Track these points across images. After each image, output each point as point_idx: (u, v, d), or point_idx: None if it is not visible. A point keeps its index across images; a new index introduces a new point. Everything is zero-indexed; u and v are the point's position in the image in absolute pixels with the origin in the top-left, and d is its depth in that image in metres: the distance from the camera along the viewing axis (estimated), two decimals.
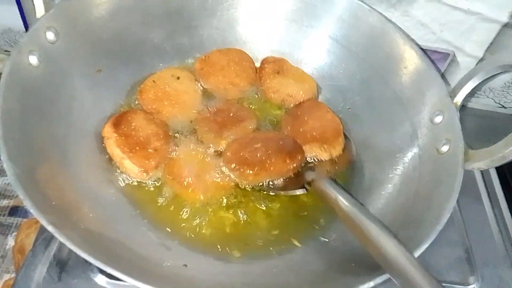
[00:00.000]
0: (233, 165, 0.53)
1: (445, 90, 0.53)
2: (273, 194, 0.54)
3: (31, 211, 0.35)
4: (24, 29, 0.79)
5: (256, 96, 0.64)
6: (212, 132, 0.57)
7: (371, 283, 0.38)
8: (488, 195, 0.66)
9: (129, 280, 0.34)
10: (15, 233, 0.73)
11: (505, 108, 0.80)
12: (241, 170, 0.53)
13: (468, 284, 0.55)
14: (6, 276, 0.69)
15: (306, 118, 0.60)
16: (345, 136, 0.60)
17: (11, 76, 0.44)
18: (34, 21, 0.48)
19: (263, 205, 0.54)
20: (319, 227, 0.53)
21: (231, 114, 0.60)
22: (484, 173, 0.68)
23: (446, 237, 0.57)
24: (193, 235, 0.49)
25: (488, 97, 0.78)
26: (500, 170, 0.69)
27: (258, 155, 0.54)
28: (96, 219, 0.44)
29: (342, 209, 0.44)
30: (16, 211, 0.76)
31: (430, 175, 0.50)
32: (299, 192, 0.53)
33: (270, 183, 0.55)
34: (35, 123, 0.46)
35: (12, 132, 0.41)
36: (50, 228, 0.35)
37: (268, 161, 0.53)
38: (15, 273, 0.69)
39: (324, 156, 0.57)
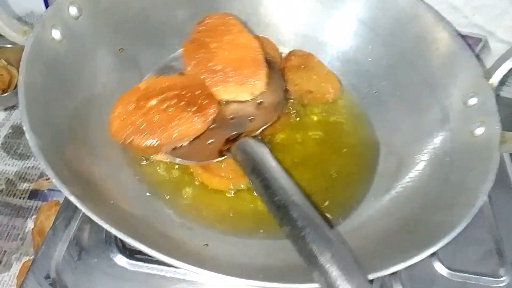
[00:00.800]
0: (119, 138, 0.43)
1: (480, 71, 0.51)
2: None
3: (53, 180, 0.35)
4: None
5: None
6: None
7: None
8: None
9: (155, 254, 0.33)
10: (34, 216, 0.73)
11: None
12: (134, 143, 0.43)
13: (499, 277, 0.53)
14: (26, 259, 0.70)
15: (214, 47, 0.49)
16: (269, 64, 0.52)
17: (34, 50, 0.43)
18: None
19: None
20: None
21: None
22: None
23: (475, 229, 0.55)
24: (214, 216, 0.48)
25: None
26: None
27: (155, 118, 0.43)
28: (119, 195, 0.43)
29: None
30: (36, 194, 0.76)
31: (462, 160, 0.47)
32: (215, 160, 0.47)
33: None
34: (58, 98, 0.45)
35: (35, 105, 0.41)
36: (72, 198, 0.34)
37: (170, 124, 0.43)
38: (35, 255, 0.69)
39: (243, 96, 0.50)
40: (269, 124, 0.48)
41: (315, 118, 0.60)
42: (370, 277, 0.34)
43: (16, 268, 0.69)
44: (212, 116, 0.45)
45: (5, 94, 0.81)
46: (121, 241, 0.50)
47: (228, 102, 0.50)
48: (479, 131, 0.48)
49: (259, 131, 0.48)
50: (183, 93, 0.44)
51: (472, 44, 0.68)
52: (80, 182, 0.39)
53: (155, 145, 0.42)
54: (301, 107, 0.61)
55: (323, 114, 0.61)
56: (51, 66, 0.45)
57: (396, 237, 0.43)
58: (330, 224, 0.47)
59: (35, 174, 0.79)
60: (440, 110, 0.54)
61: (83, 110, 0.48)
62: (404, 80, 0.60)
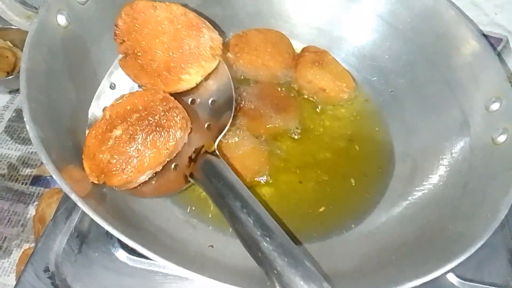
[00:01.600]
0: (94, 177, 0.40)
1: (504, 74, 0.48)
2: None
3: (54, 176, 0.33)
4: None
5: (289, 80, 0.61)
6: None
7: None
8: None
9: (153, 257, 0.32)
10: (36, 203, 0.72)
11: None
12: (108, 181, 0.41)
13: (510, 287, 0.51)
14: (26, 245, 0.69)
15: (148, 48, 0.45)
16: None
17: (37, 35, 0.41)
18: None
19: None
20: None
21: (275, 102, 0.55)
22: None
23: (489, 238, 0.54)
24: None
25: None
26: None
27: (123, 149, 0.41)
28: (121, 190, 0.41)
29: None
30: (38, 180, 0.75)
31: (483, 167, 0.45)
32: (184, 188, 0.45)
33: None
34: (61, 86, 0.44)
35: (37, 93, 0.39)
36: (72, 196, 0.32)
37: (139, 152, 0.41)
38: (35, 242, 0.68)
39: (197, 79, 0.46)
40: (226, 129, 0.46)
41: (328, 116, 0.58)
42: None
43: (16, 254, 0.68)
44: (181, 132, 0.43)
45: (9, 77, 0.79)
46: None
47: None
48: (502, 138, 0.45)
49: (217, 141, 0.45)
50: (145, 114, 0.42)
51: (493, 44, 0.65)
52: (81, 176, 0.37)
53: (129, 179, 0.40)
54: (313, 104, 0.59)
55: (337, 112, 0.59)
56: (55, 53, 0.43)
57: (411, 247, 0.41)
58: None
59: (38, 160, 0.77)
60: (460, 112, 0.52)
61: (87, 99, 0.47)
62: (422, 78, 0.57)
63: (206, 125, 0.46)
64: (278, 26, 0.63)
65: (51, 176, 0.73)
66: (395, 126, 0.57)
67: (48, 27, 0.43)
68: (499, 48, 0.66)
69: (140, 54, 0.45)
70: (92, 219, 0.48)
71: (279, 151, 0.54)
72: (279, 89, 0.59)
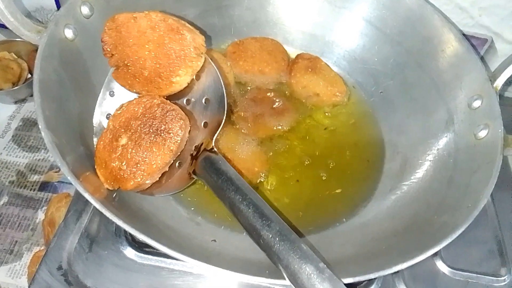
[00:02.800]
0: (109, 184, 0.43)
1: (485, 74, 0.51)
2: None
3: (69, 177, 0.36)
4: (56, 7, 0.80)
5: (285, 85, 0.64)
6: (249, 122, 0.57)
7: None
8: None
9: (162, 248, 0.34)
10: (45, 208, 0.75)
11: None
12: (123, 187, 0.43)
13: (500, 276, 0.54)
14: (36, 248, 0.71)
15: (131, 55, 0.47)
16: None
17: (48, 48, 0.44)
18: None
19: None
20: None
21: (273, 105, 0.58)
22: None
23: (478, 229, 0.56)
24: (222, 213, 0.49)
25: None
26: None
27: (131, 155, 0.43)
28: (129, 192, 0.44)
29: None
30: (46, 186, 0.78)
31: (466, 161, 0.48)
32: (189, 184, 0.48)
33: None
34: (72, 95, 0.46)
35: (49, 102, 0.42)
36: (86, 195, 0.35)
37: (146, 156, 0.43)
38: (45, 245, 0.71)
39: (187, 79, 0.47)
40: (221, 126, 0.48)
41: (322, 118, 0.61)
42: (374, 276, 0.35)
43: (27, 258, 0.70)
44: (182, 132, 0.45)
45: (15, 87, 0.82)
46: (130, 234, 0.51)
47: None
48: (483, 133, 0.48)
49: (215, 137, 0.48)
50: (145, 120, 0.44)
51: (478, 44, 0.68)
52: (93, 177, 0.40)
53: (141, 182, 0.43)
54: (308, 107, 0.62)
55: (330, 114, 0.62)
56: (65, 64, 0.46)
57: (400, 237, 0.44)
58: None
59: (45, 166, 0.80)
60: (446, 111, 0.54)
61: (92, 106, 0.49)
62: (411, 80, 0.60)
63: (202, 123, 0.49)
64: (273, 33, 0.66)
65: (58, 181, 0.77)
66: (385, 125, 0.60)
67: (57, 40, 0.46)
68: (484, 48, 0.69)
69: (130, 64, 0.47)
70: (101, 220, 0.53)
71: (277, 152, 0.56)
72: (275, 93, 0.62)
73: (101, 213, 0.35)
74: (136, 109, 0.46)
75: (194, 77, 0.48)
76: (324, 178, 0.55)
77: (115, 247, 0.50)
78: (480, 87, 0.51)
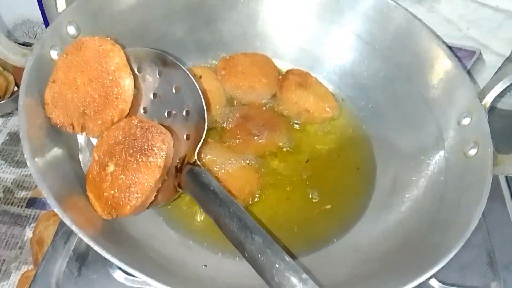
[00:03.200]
0: (106, 215, 0.43)
1: (474, 91, 0.51)
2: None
3: (55, 210, 0.35)
4: (42, 19, 0.79)
5: (275, 101, 0.63)
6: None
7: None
8: None
9: (154, 283, 0.34)
10: (33, 225, 0.73)
11: None
12: (120, 214, 0.43)
13: None
14: (25, 268, 0.70)
15: (76, 86, 0.45)
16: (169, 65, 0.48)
17: (33, 71, 0.43)
18: (55, 16, 0.48)
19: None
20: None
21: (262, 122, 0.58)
22: (508, 177, 0.67)
23: (468, 241, 0.56)
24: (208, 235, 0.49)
25: None
26: None
27: (121, 181, 0.42)
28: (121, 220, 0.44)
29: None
30: (34, 202, 0.77)
31: (457, 179, 0.48)
32: (175, 196, 0.47)
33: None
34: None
35: (35, 129, 0.41)
36: (74, 228, 0.34)
37: (137, 178, 0.42)
38: (33, 264, 0.70)
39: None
40: (203, 137, 0.46)
41: (313, 134, 0.61)
42: None
43: (15, 277, 0.69)
44: (165, 145, 0.44)
45: (1, 102, 0.81)
46: None
47: None
48: (473, 152, 0.48)
49: (197, 150, 0.46)
50: (127, 142, 0.44)
51: (467, 56, 0.69)
52: (81, 207, 0.40)
53: (137, 204, 0.42)
54: (299, 123, 0.62)
55: (321, 129, 0.62)
56: None
57: (393, 258, 0.44)
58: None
59: (33, 182, 0.79)
60: (436, 127, 0.55)
61: None
62: (401, 94, 0.60)
63: (185, 135, 0.48)
64: (263, 48, 0.66)
65: None
66: (376, 141, 0.60)
67: (43, 62, 0.45)
68: (473, 60, 0.70)
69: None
70: None
71: (267, 170, 0.56)
72: (265, 109, 0.62)
73: None
74: (116, 134, 0.45)
75: (174, 89, 0.48)
76: (315, 195, 0.55)
77: (104, 270, 0.50)
78: (469, 104, 0.51)
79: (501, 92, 0.51)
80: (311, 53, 0.66)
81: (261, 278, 0.35)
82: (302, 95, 0.61)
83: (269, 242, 0.36)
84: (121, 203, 0.42)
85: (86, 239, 0.34)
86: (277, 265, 0.34)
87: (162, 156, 0.43)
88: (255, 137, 0.57)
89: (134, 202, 0.42)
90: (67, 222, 0.35)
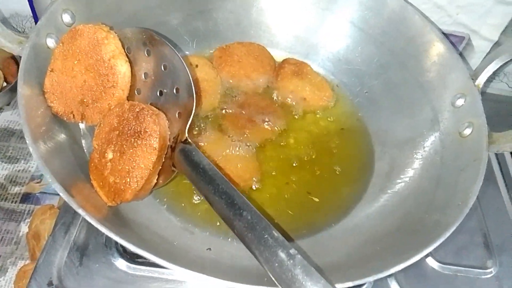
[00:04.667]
0: (111, 201, 0.43)
1: (467, 72, 0.52)
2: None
3: (61, 194, 0.35)
4: (31, 13, 0.78)
5: (271, 90, 0.64)
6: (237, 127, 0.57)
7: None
8: (504, 179, 0.66)
9: (160, 262, 0.34)
10: (27, 220, 0.73)
11: None
12: (124, 199, 0.42)
13: (486, 268, 0.55)
14: (21, 263, 0.69)
15: (73, 77, 0.45)
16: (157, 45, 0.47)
17: (30, 59, 0.43)
18: (49, 5, 0.47)
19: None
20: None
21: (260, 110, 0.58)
22: (500, 157, 0.68)
23: (463, 222, 0.57)
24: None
25: (502, 81, 0.78)
26: None
27: (121, 167, 0.42)
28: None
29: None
30: (28, 197, 0.76)
31: (453, 159, 0.49)
32: (172, 176, 0.47)
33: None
34: None
35: (35, 115, 0.40)
36: (80, 211, 0.34)
37: (135, 162, 0.42)
38: (30, 259, 0.69)
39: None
40: (192, 113, 0.45)
41: (310, 121, 0.62)
42: (372, 279, 0.36)
43: (12, 272, 0.68)
44: (158, 126, 0.43)
45: None
46: (121, 245, 0.50)
47: None
48: (467, 131, 0.49)
49: (187, 128, 0.45)
50: (121, 128, 0.44)
51: (457, 42, 0.70)
52: (85, 191, 0.40)
53: (138, 188, 0.42)
54: (295, 111, 0.62)
55: (318, 117, 0.62)
56: None
57: (393, 237, 0.45)
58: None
59: (26, 177, 0.78)
60: (431, 110, 0.56)
61: None
62: (395, 79, 0.61)
63: (177, 114, 0.47)
64: (258, 36, 0.66)
65: (40, 192, 0.75)
66: (372, 126, 0.61)
67: (39, 50, 0.45)
68: (462, 45, 0.71)
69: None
70: (90, 232, 0.51)
71: (267, 156, 0.57)
72: (263, 98, 0.62)
73: (89, 225, 0.35)
74: (111, 121, 0.45)
75: (162, 67, 0.47)
76: (312, 180, 0.56)
77: (106, 259, 0.50)
78: (462, 85, 0.52)
79: (489, 77, 0.53)
80: (305, 41, 0.66)
81: (251, 253, 0.35)
82: (298, 84, 0.62)
83: (257, 218, 0.36)
84: (123, 188, 0.42)
85: (93, 222, 0.34)
86: (265, 241, 0.34)
87: (156, 138, 0.42)
88: (254, 125, 0.57)
89: (135, 186, 0.42)
90: (73, 205, 0.35)
